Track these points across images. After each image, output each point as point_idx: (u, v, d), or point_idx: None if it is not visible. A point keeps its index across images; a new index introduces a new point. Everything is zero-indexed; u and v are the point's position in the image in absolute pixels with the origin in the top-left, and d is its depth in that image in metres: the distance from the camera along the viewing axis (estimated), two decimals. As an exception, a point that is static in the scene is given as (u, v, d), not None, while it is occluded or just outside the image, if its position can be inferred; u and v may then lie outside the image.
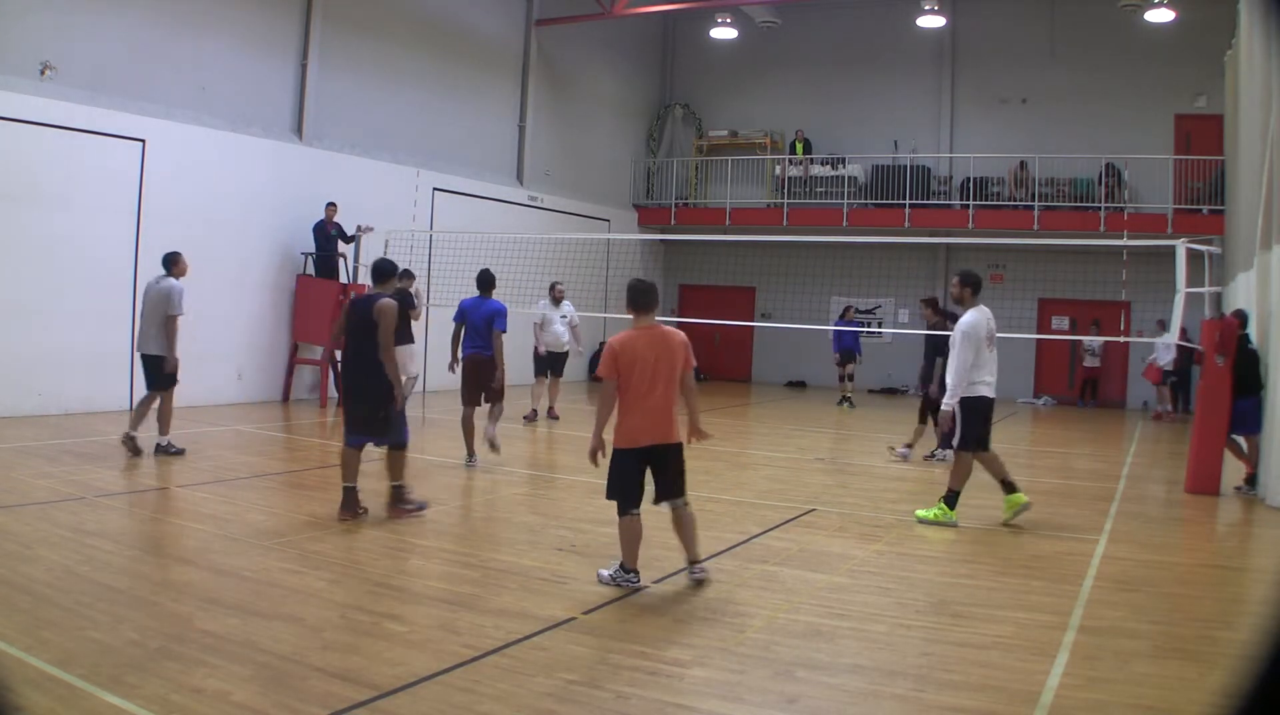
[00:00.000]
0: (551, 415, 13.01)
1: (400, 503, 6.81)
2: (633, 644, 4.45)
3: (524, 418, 12.75)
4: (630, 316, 5.46)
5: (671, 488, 5.40)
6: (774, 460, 10.71)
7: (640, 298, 5.40)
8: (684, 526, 5.45)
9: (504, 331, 9.13)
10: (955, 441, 7.28)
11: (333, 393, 14.04)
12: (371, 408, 6.61)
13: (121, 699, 3.56)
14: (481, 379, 9.26)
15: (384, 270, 6.95)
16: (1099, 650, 4.54)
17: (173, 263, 9.07)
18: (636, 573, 5.38)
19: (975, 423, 7.19)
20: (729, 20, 20.76)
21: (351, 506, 6.67)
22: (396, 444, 6.78)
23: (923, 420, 10.77)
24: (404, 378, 12.24)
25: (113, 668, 3.85)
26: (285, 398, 13.84)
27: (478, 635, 4.47)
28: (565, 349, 13.11)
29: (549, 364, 13.01)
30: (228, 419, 11.47)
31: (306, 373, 14.25)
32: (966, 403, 7.14)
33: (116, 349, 11.71)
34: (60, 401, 11.09)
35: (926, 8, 18.78)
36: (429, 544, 6.24)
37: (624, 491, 5.34)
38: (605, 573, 5.43)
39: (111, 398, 11.69)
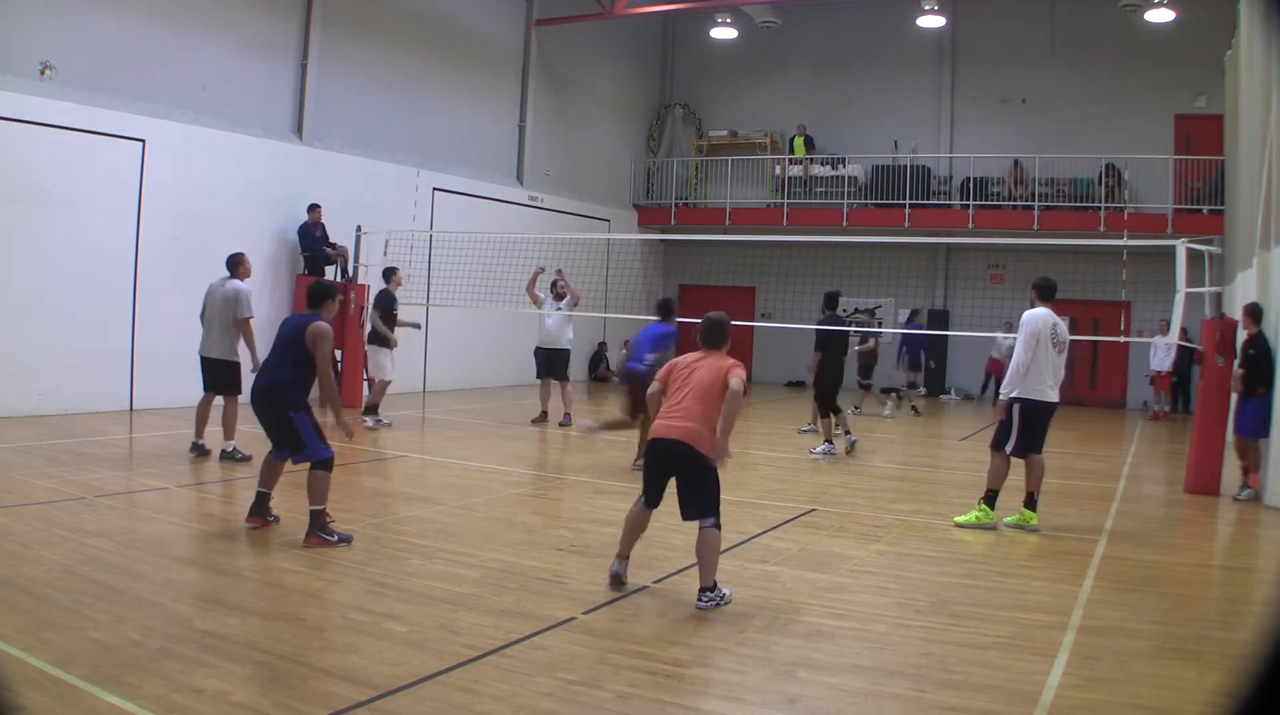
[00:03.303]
0: (564, 421, 12.58)
1: (318, 531, 6.00)
2: (633, 644, 4.45)
3: (532, 421, 12.69)
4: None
5: (688, 506, 5.15)
6: (774, 460, 10.71)
7: (703, 333, 5.54)
8: (696, 546, 5.14)
9: (664, 351, 9.45)
10: (1010, 446, 7.17)
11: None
12: (275, 426, 6.19)
13: (121, 699, 3.55)
14: (637, 391, 9.51)
15: (319, 293, 6.41)
16: (1099, 650, 4.55)
17: (237, 263, 8.83)
18: (617, 560, 5.42)
19: (1032, 427, 7.15)
20: (729, 20, 20.77)
21: (260, 512, 6.35)
22: (318, 463, 6.08)
23: (824, 414, 11.29)
24: (377, 380, 12.00)
25: (113, 668, 3.85)
26: (285, 398, 13.82)
27: (478, 635, 4.47)
28: (562, 346, 12.86)
29: (546, 363, 12.83)
30: (228, 419, 11.46)
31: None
32: (1027, 406, 7.10)
33: (116, 349, 11.73)
34: (60, 401, 11.09)
35: (926, 8, 18.78)
36: (429, 544, 6.24)
37: (645, 483, 5.36)
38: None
39: (111, 398, 11.70)
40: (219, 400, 8.98)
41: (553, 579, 5.53)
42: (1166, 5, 17.19)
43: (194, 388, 12.28)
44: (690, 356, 5.53)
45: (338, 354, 13.86)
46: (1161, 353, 16.67)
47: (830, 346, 11.26)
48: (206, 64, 12.91)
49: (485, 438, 11.64)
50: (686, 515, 5.15)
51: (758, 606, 5.08)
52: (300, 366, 6.16)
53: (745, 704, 3.82)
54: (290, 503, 6.66)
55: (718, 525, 5.08)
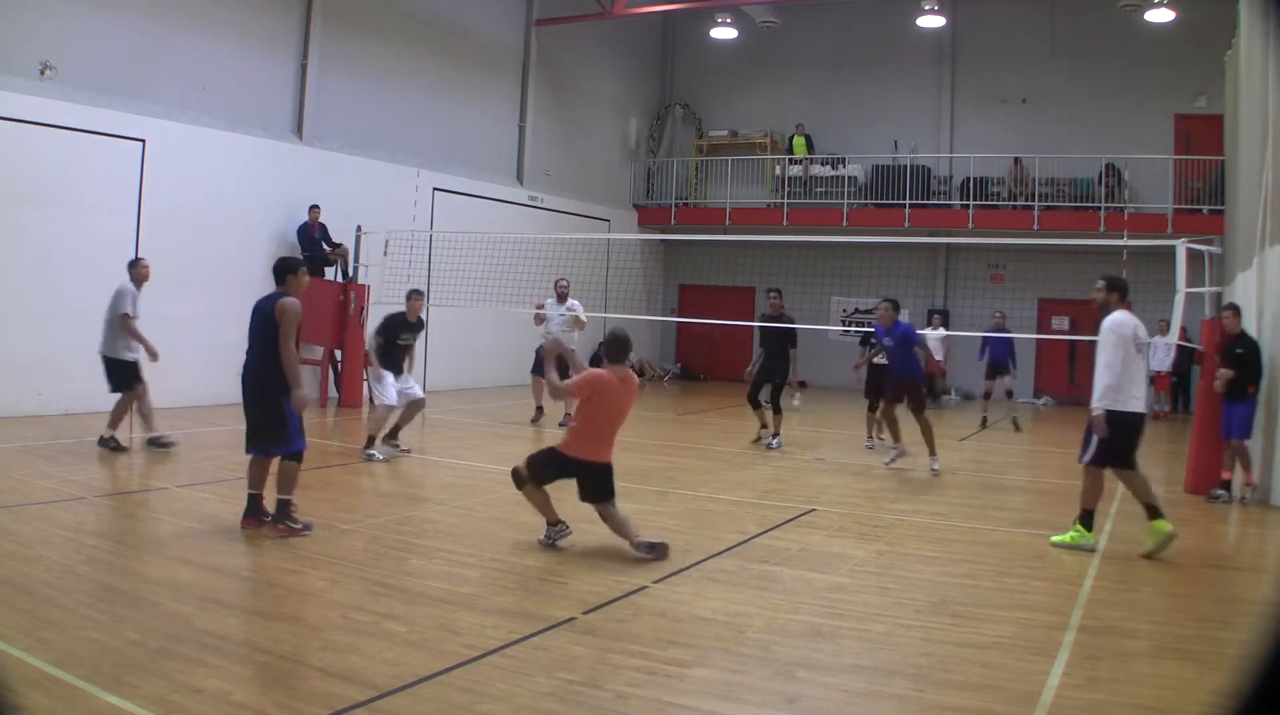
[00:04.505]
0: (564, 421, 12.25)
1: (285, 519, 6.22)
2: (633, 644, 4.45)
3: (530, 420, 12.68)
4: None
5: (595, 497, 6.16)
6: (774, 460, 10.71)
7: (614, 350, 6.29)
8: (615, 522, 6.09)
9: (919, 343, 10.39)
10: (1088, 456, 6.66)
11: (333, 393, 14.06)
12: (262, 415, 6.27)
13: (121, 699, 3.56)
14: (897, 393, 10.23)
15: (283, 268, 6.50)
16: (1099, 650, 4.55)
17: (131, 266, 9.42)
18: (563, 523, 6.22)
19: (1121, 439, 6.57)
20: (729, 20, 20.78)
21: (255, 513, 6.36)
22: (289, 454, 6.26)
23: (756, 406, 11.63)
24: (377, 405, 10.38)
25: (113, 668, 3.85)
26: (285, 398, 13.81)
27: (478, 635, 4.47)
28: (569, 347, 12.69)
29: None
30: (227, 419, 11.44)
31: (306, 373, 14.21)
32: (1115, 417, 6.54)
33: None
34: (60, 401, 11.09)
35: (926, 8, 18.79)
36: (429, 544, 6.24)
37: (541, 475, 6.16)
38: (541, 537, 6.25)
39: (111, 398, 11.67)
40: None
41: (553, 579, 5.53)
42: (1166, 5, 17.19)
43: (195, 388, 12.40)
44: (613, 379, 6.15)
45: (338, 353, 13.92)
46: (1161, 353, 16.64)
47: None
48: (206, 64, 12.91)
49: (485, 438, 11.64)
50: (596, 500, 6.14)
51: (758, 606, 5.08)
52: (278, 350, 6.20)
53: (745, 704, 3.82)
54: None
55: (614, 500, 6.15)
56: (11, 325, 10.64)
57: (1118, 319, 6.64)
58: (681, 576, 5.59)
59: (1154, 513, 6.58)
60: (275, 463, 6.36)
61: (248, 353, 6.35)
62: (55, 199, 11.06)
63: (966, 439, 13.31)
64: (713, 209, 21.97)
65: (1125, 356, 6.53)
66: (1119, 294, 6.79)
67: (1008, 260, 19.47)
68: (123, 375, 9.12)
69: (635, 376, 6.34)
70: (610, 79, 21.71)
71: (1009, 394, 14.84)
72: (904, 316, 20.42)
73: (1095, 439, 6.61)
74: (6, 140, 10.56)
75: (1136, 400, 6.62)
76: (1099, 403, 6.57)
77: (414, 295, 10.57)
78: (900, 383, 10.09)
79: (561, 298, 12.69)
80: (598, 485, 6.14)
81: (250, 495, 6.39)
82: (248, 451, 6.36)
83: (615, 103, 21.90)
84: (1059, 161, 18.66)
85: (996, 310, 15.86)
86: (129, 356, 9.14)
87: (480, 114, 17.91)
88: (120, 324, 9.04)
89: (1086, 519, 6.71)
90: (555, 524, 6.22)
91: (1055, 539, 6.81)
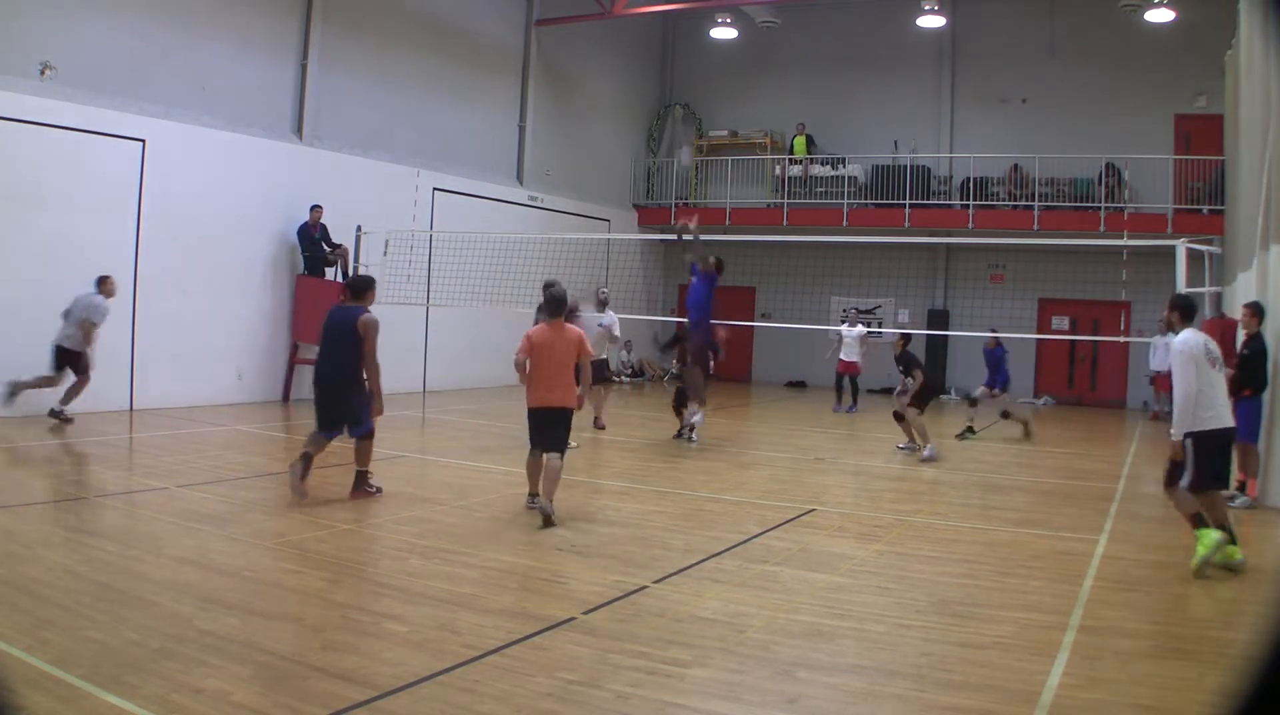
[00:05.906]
0: (597, 425, 12.20)
1: (363, 486, 7.49)
2: (633, 644, 4.45)
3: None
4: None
5: (548, 443, 6.88)
6: (774, 460, 10.71)
7: (552, 306, 7.08)
8: (549, 472, 6.81)
9: None
10: (1188, 481, 6.28)
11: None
12: (345, 406, 7.31)
13: (121, 699, 3.56)
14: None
15: (361, 285, 7.58)
16: (1099, 650, 4.55)
17: (103, 281, 10.52)
18: (533, 497, 7.04)
19: (1213, 457, 6.31)
20: (729, 20, 20.77)
21: (307, 465, 7.19)
22: (364, 435, 7.40)
23: (682, 403, 11.88)
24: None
25: (113, 668, 3.85)
26: (285, 398, 13.83)
27: (478, 635, 4.47)
28: (601, 356, 12.02)
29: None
30: (228, 419, 11.47)
31: (307, 373, 14.20)
32: (1200, 438, 6.26)
33: (116, 349, 11.71)
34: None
35: (926, 8, 18.78)
36: (429, 544, 6.24)
37: (534, 436, 6.97)
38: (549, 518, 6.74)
39: (111, 398, 11.69)
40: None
41: (553, 579, 5.54)
42: (1166, 5, 17.19)
43: (195, 387, 12.41)
44: (544, 332, 6.92)
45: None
46: (1161, 353, 16.62)
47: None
48: (206, 64, 12.90)
49: (485, 437, 11.64)
50: (545, 449, 6.89)
51: (758, 606, 5.08)
52: (356, 354, 7.19)
53: (745, 704, 3.82)
54: (290, 502, 6.66)
55: (562, 455, 6.90)
56: (12, 325, 10.62)
57: (1183, 338, 6.39)
58: (681, 576, 5.59)
59: (1200, 522, 6.39)
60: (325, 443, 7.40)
61: (322, 354, 7.46)
62: (55, 199, 11.05)
63: (967, 439, 13.29)
64: (713, 209, 21.95)
65: (1199, 374, 6.23)
66: (1180, 313, 6.55)
67: (1008, 260, 19.47)
68: (77, 361, 10.43)
69: (576, 329, 7.10)
70: (610, 79, 21.70)
71: (994, 411, 13.54)
72: (905, 317, 20.36)
73: (1193, 464, 6.27)
74: (6, 140, 10.56)
75: (1225, 414, 6.37)
76: (1176, 429, 6.34)
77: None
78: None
79: (602, 306, 12.55)
80: (550, 430, 6.89)
81: (304, 454, 7.20)
82: (321, 434, 7.35)
83: (615, 103, 21.90)
84: (1059, 161, 18.65)
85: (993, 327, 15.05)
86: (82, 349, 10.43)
87: (480, 114, 17.90)
88: (85, 327, 10.37)
89: (1201, 521, 6.30)
90: (536, 494, 7.02)
91: (1195, 562, 6.25)
